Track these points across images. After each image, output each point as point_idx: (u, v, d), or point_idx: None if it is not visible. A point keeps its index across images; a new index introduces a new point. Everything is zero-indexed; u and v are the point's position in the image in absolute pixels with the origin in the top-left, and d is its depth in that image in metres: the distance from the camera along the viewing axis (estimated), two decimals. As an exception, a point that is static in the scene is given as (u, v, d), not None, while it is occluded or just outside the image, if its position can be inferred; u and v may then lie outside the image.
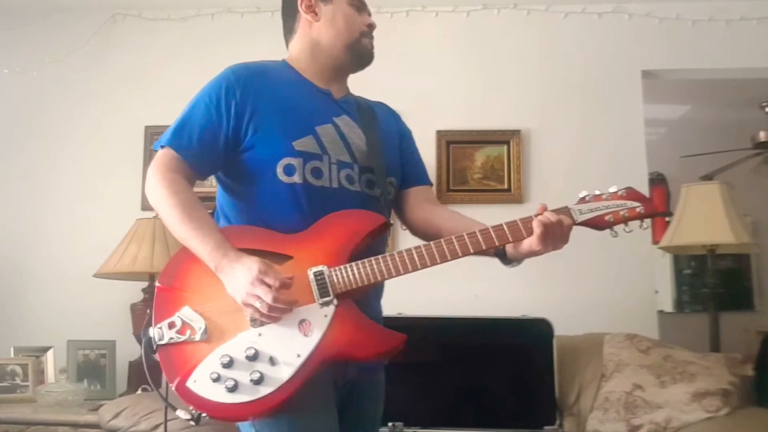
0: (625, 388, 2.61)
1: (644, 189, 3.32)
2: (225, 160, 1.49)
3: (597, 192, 1.45)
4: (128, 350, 3.08)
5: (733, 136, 4.62)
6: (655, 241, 3.46)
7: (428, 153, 3.25)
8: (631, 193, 1.44)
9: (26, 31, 3.64)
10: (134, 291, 3.12)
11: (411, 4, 3.52)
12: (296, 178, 1.45)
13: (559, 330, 2.76)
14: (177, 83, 3.50)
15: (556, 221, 1.38)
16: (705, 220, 3.08)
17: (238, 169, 1.50)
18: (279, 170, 1.45)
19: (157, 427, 2.42)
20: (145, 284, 3.10)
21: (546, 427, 2.64)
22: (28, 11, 3.64)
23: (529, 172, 3.38)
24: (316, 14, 1.60)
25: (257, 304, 1.31)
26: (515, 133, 3.39)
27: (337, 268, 1.38)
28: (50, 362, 3.17)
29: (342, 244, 1.41)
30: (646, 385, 2.59)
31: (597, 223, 1.43)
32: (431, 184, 1.74)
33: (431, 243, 1.41)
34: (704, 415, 2.46)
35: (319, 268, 1.38)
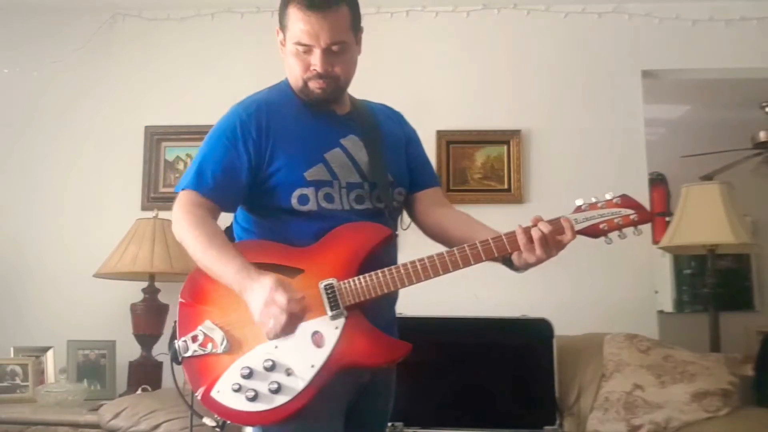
0: (625, 388, 2.61)
1: (644, 189, 3.33)
2: (247, 193, 1.55)
3: (593, 200, 1.50)
4: (128, 350, 3.09)
5: (733, 136, 4.61)
6: (655, 241, 3.46)
7: (428, 153, 3.17)
8: (625, 201, 1.50)
9: (26, 31, 3.64)
10: (134, 291, 3.12)
11: (411, 4, 3.51)
12: (311, 206, 1.52)
13: (559, 330, 2.76)
14: (177, 83, 3.51)
15: (548, 233, 1.44)
16: (705, 220, 3.09)
17: (255, 199, 1.56)
18: (294, 201, 1.51)
19: (157, 427, 2.42)
20: (145, 284, 3.10)
21: (546, 427, 2.64)
22: (28, 11, 3.64)
23: (529, 172, 3.38)
24: (283, 48, 1.58)
25: (270, 324, 1.38)
26: (515, 133, 3.39)
27: (346, 281, 1.44)
28: (50, 362, 3.17)
29: (350, 256, 1.47)
30: (646, 385, 2.60)
31: (592, 232, 1.49)
32: (439, 185, 1.78)
33: (434, 255, 1.46)
34: (704, 415, 2.46)
35: (329, 281, 1.44)
